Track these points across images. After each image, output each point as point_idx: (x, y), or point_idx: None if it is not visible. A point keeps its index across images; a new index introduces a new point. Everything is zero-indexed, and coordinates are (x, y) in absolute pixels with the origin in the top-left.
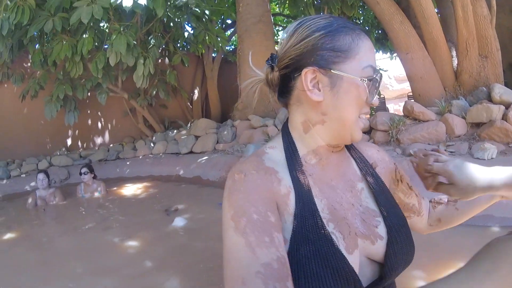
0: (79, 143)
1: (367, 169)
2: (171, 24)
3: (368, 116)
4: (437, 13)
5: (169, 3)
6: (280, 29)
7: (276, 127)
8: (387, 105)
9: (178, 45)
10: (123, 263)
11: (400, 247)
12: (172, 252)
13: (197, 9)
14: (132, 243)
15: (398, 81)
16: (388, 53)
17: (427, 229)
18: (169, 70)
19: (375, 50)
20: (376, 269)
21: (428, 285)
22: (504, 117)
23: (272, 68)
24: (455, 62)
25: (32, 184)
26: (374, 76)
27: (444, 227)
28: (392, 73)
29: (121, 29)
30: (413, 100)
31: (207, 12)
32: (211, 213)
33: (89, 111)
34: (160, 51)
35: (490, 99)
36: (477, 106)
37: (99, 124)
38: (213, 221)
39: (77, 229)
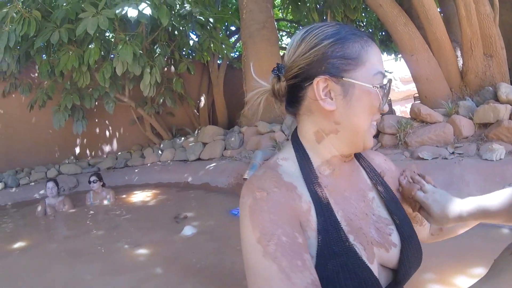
0: (88, 152)
1: (376, 178)
2: (176, 32)
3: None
4: (440, 12)
5: (173, 12)
6: (284, 34)
7: (283, 132)
8: (393, 107)
9: (184, 53)
10: (132, 269)
11: (412, 253)
12: (182, 261)
13: (201, 17)
14: (142, 250)
15: (404, 82)
16: (393, 55)
17: (429, 238)
18: (175, 78)
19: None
20: (388, 276)
21: None
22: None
23: (279, 78)
24: (460, 62)
25: (41, 192)
26: (385, 82)
27: (446, 236)
28: (398, 74)
29: (127, 39)
30: (419, 102)
31: (211, 20)
32: (220, 220)
33: (97, 120)
34: (166, 59)
35: (496, 98)
36: (484, 107)
37: (107, 133)
38: (223, 228)
39: (87, 236)
